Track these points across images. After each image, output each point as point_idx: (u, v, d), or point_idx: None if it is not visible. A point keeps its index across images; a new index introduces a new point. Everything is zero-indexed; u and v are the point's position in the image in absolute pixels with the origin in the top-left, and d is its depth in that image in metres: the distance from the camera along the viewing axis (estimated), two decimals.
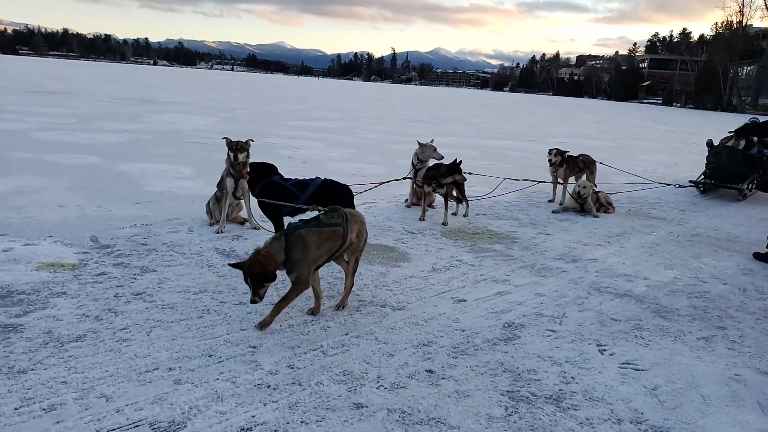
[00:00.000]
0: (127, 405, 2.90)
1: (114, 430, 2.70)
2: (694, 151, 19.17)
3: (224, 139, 6.17)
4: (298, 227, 3.89)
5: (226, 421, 2.83)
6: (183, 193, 7.72)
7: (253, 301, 3.66)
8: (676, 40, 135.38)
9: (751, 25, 76.92)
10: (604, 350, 3.90)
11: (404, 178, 7.82)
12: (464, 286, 4.96)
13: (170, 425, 2.77)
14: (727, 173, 10.08)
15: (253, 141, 6.33)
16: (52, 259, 4.83)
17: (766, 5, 69.16)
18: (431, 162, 7.46)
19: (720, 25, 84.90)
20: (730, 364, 3.81)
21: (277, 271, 3.71)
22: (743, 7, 76.11)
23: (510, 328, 4.15)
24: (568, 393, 3.32)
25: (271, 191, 5.37)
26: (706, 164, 10.58)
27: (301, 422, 2.87)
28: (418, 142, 7.69)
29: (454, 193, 7.36)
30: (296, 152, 12.19)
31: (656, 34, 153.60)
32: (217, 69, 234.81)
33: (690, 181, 10.67)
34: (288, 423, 2.86)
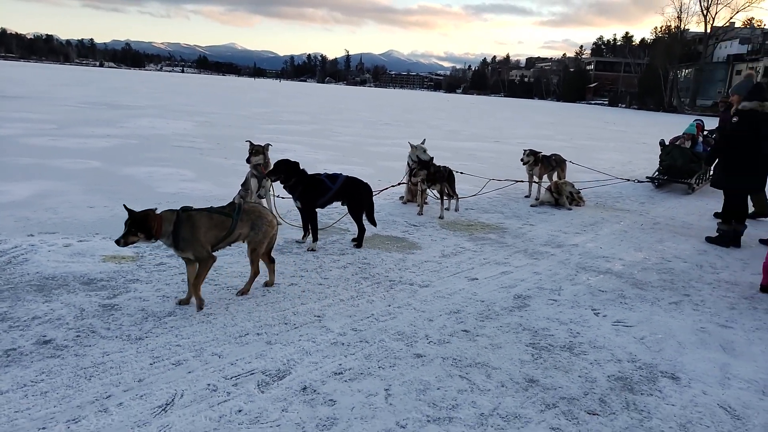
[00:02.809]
0: (237, 360, 3.59)
1: (236, 376, 3.40)
2: (645, 149, 20.71)
3: (247, 142, 6.83)
4: (190, 209, 4.17)
5: (321, 368, 3.57)
6: (196, 194, 8.29)
7: (117, 242, 3.90)
8: (619, 43, 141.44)
9: (689, 29, 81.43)
10: (598, 313, 4.80)
11: (408, 181, 8.60)
12: (473, 267, 5.80)
13: (278, 372, 3.48)
14: (678, 170, 11.31)
15: (271, 145, 7.03)
16: (112, 253, 5.41)
17: (701, 11, 73.21)
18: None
19: (660, 30, 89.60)
20: (696, 321, 4.77)
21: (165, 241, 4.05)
22: (681, 12, 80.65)
23: (520, 299, 5.01)
24: (577, 343, 4.19)
25: (313, 184, 6.03)
26: (659, 162, 11.81)
27: (378, 367, 3.63)
28: (410, 144, 8.51)
29: (446, 190, 8.21)
30: (283, 154, 12.68)
31: (601, 38, 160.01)
32: (167, 71, 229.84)
33: (647, 177, 11.89)
34: (369, 368, 3.61)
